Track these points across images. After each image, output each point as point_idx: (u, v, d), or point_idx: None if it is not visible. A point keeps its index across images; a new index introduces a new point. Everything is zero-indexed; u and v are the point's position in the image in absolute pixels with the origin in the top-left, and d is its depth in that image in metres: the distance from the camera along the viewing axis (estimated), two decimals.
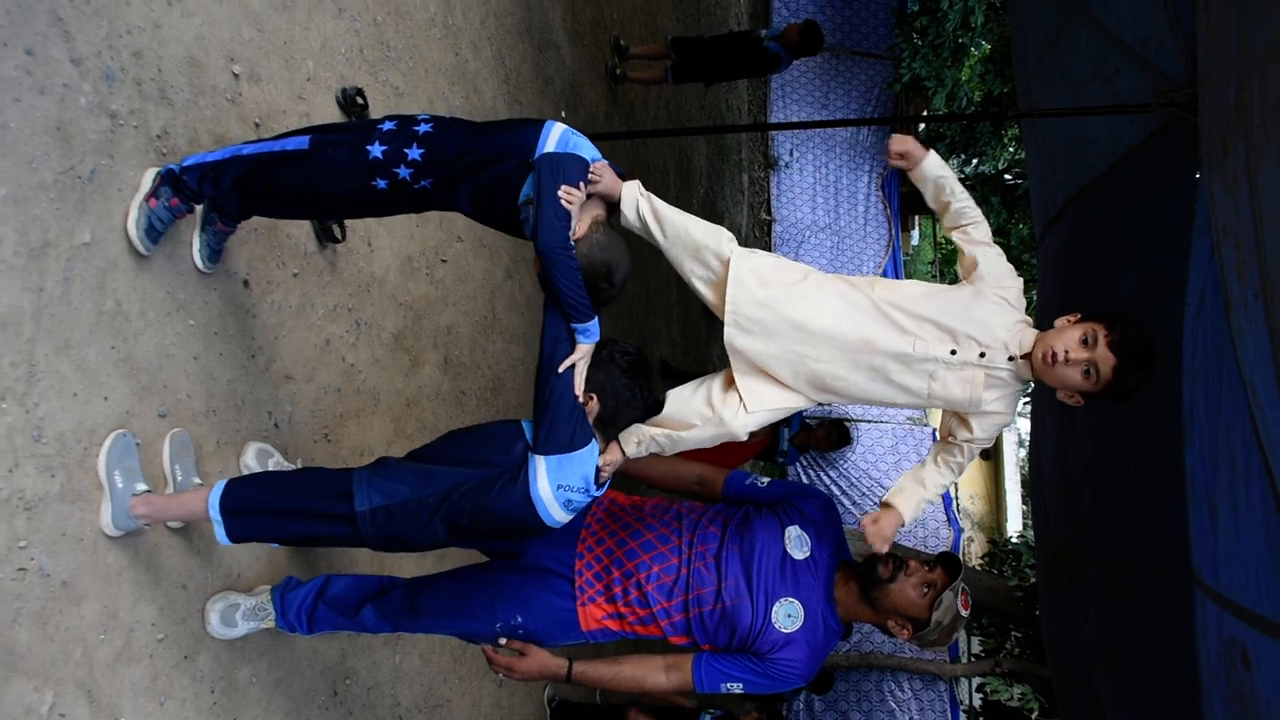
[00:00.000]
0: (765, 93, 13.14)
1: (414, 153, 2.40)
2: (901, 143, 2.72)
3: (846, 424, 9.75)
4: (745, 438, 2.63)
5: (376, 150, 2.39)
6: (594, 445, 2.42)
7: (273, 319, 2.99)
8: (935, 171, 2.71)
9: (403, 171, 2.40)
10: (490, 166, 2.41)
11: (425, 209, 2.56)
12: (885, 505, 2.71)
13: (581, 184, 2.38)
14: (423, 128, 2.43)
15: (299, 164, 2.40)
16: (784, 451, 8.05)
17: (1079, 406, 2.52)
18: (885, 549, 2.63)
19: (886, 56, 13.13)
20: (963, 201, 2.69)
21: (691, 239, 2.61)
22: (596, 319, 2.38)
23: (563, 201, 2.31)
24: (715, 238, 2.62)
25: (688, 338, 9.16)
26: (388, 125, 2.44)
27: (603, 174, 2.50)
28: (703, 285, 2.65)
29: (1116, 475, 4.61)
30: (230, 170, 2.40)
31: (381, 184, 2.41)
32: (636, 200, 2.58)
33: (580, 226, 2.42)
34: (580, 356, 2.38)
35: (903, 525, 2.68)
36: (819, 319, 2.53)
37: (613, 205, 2.60)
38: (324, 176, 2.42)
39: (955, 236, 2.70)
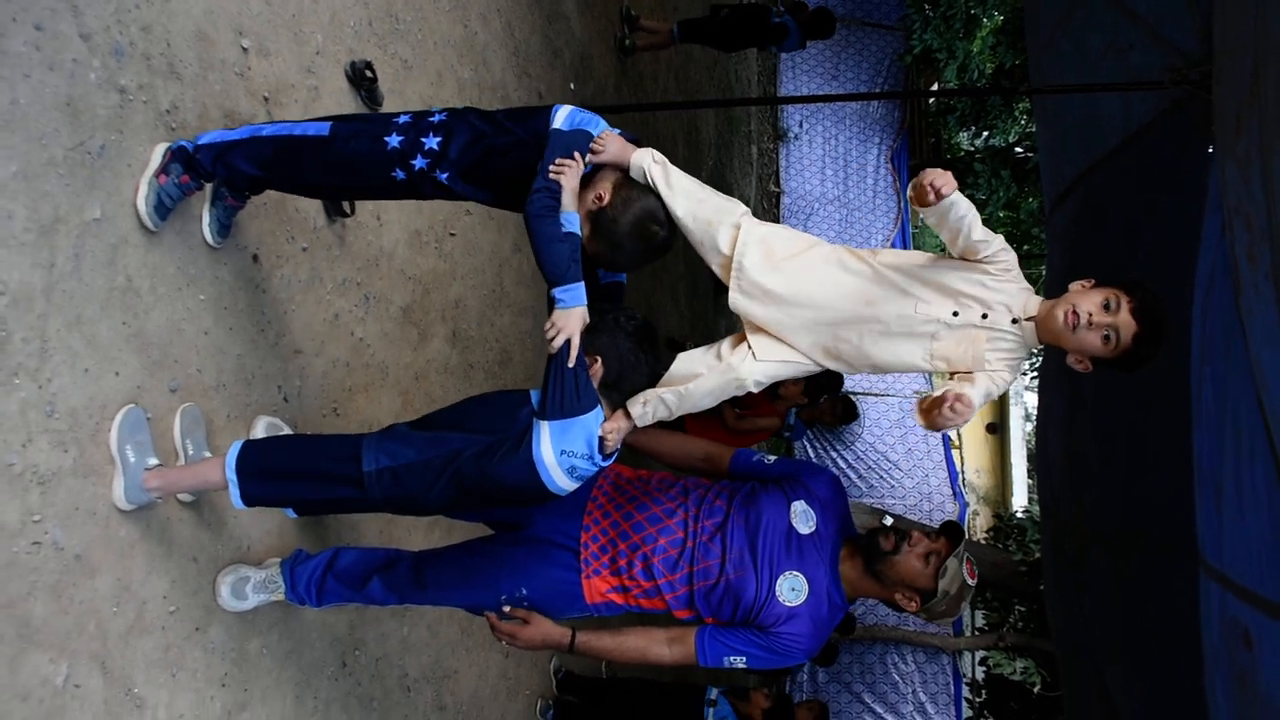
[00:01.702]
0: (775, 64, 13.05)
1: (431, 141, 2.42)
2: (938, 176, 2.38)
3: (853, 399, 9.76)
4: (754, 387, 2.59)
5: (394, 141, 2.42)
6: (598, 411, 2.41)
7: (282, 293, 3.00)
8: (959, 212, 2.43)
9: (419, 162, 2.42)
10: (507, 154, 2.43)
11: (446, 198, 2.57)
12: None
13: (577, 154, 2.39)
14: (437, 117, 2.46)
15: (319, 151, 2.42)
16: (790, 426, 8.04)
17: (1087, 373, 2.49)
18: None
19: (897, 28, 13.02)
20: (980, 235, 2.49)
21: (705, 211, 2.58)
22: (579, 285, 2.35)
23: (552, 172, 2.34)
24: (730, 211, 2.59)
25: (695, 311, 9.15)
26: (403, 118, 2.47)
27: (608, 143, 2.49)
28: (714, 257, 2.63)
29: (1123, 452, 4.61)
30: (247, 151, 2.41)
31: (400, 175, 2.45)
32: (645, 169, 2.54)
33: (605, 193, 2.44)
34: (563, 324, 2.34)
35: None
36: (821, 285, 2.53)
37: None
38: (344, 167, 2.46)
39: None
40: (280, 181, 2.55)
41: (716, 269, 2.64)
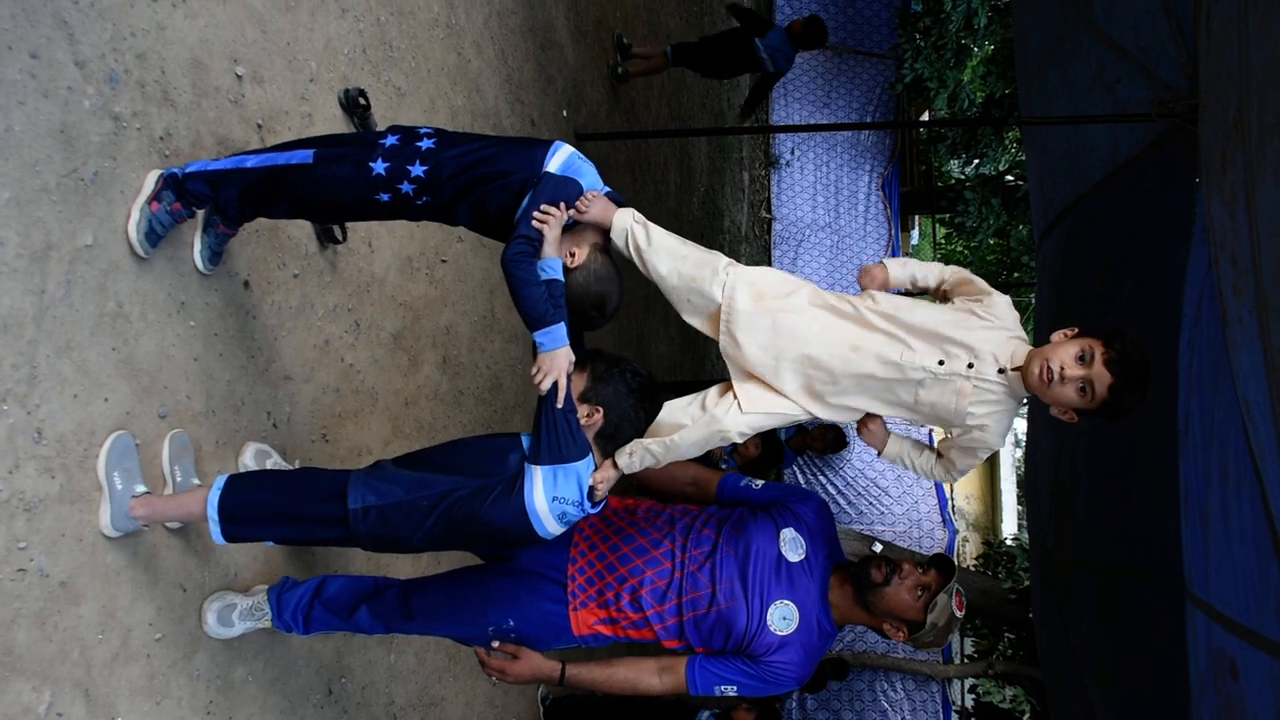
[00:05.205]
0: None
1: (417, 169, 2.42)
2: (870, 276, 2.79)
3: (842, 426, 9.75)
4: (738, 439, 2.60)
5: (380, 167, 2.41)
6: (590, 459, 2.43)
7: (273, 320, 3.00)
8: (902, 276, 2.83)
9: (405, 187, 2.43)
10: (493, 182, 2.43)
11: (429, 220, 2.58)
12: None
13: (562, 205, 2.40)
14: (425, 143, 2.45)
15: (303, 176, 2.42)
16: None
17: (1073, 423, 2.52)
18: (877, 444, 2.75)
19: (889, 56, 13.11)
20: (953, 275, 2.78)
21: (688, 267, 2.59)
22: (559, 327, 2.36)
23: (535, 221, 2.35)
24: (713, 264, 2.60)
25: (686, 336, 9.16)
26: (390, 140, 2.46)
27: (593, 203, 2.50)
28: (702, 310, 2.64)
29: (1111, 481, 4.63)
30: (234, 181, 2.42)
31: (384, 198, 2.45)
32: (625, 231, 2.56)
33: (579, 254, 2.46)
34: (548, 366, 2.36)
35: (883, 444, 2.77)
36: (807, 328, 2.54)
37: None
38: (328, 189, 2.45)
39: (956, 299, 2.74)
40: (267, 210, 2.55)
41: (703, 320, 2.64)
